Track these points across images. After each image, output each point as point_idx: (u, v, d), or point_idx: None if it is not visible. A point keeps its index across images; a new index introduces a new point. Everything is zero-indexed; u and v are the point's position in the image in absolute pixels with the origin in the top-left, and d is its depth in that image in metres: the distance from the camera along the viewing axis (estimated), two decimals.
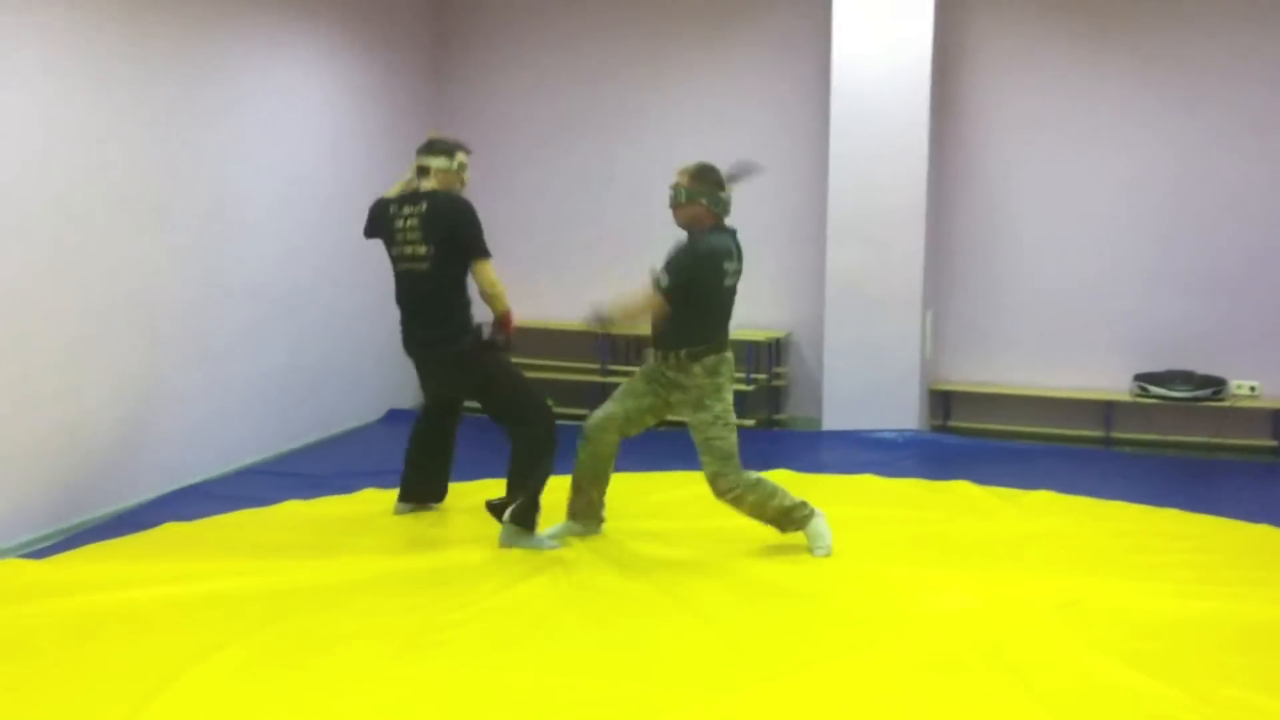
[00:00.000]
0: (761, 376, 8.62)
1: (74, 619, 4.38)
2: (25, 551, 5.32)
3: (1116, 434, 8.17)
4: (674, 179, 5.20)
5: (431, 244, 5.26)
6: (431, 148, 5.47)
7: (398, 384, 8.79)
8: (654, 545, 5.40)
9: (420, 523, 5.82)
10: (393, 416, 8.59)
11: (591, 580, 4.91)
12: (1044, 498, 6.36)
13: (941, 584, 4.87)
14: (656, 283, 5.12)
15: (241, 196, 7.03)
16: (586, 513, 5.51)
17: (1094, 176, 8.20)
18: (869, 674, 3.95)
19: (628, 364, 9.02)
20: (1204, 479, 7.12)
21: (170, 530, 5.63)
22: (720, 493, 5.17)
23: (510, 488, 5.36)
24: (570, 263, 9.12)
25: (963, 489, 6.52)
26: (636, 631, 4.35)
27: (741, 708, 3.68)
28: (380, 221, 5.51)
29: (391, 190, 5.68)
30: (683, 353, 5.15)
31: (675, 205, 5.20)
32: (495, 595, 4.71)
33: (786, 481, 6.37)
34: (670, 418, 5.47)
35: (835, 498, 5.98)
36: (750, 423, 8.41)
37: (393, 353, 8.65)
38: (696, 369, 5.16)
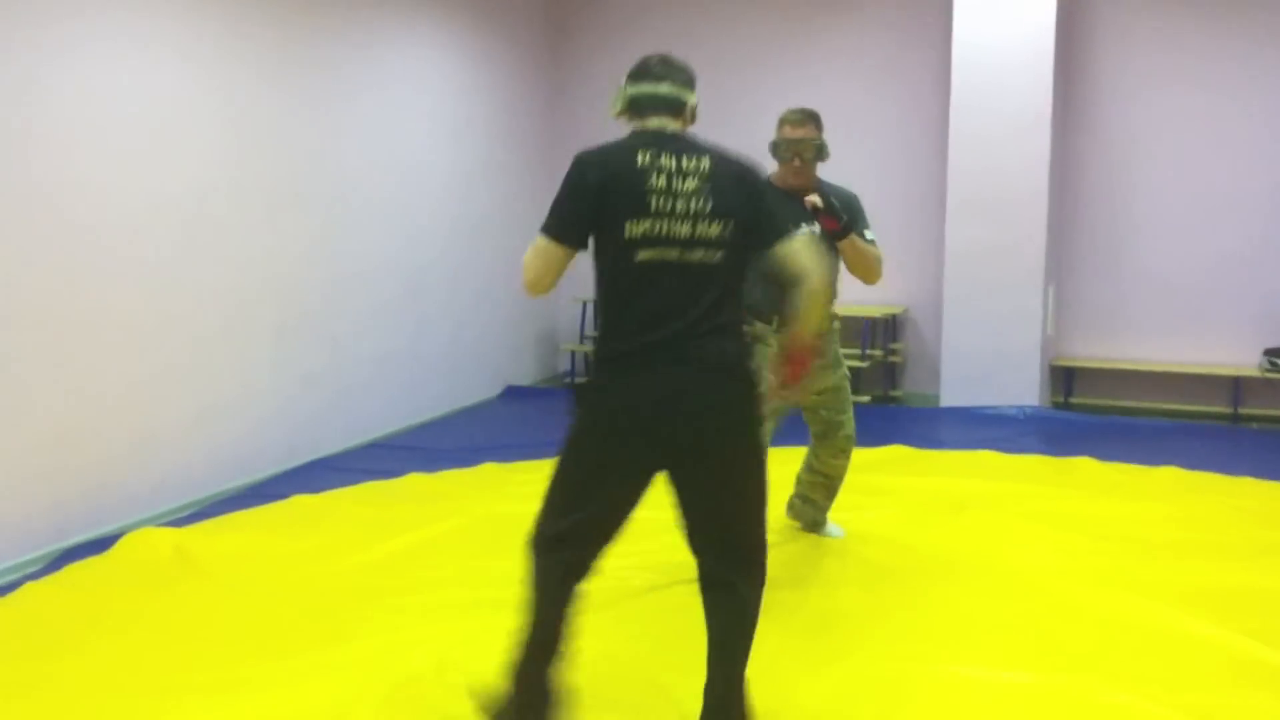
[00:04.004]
0: (877, 352, 8.56)
1: (210, 584, 4.58)
2: (164, 521, 5.51)
3: (1245, 410, 7.97)
4: (800, 133, 4.59)
5: (727, 220, 3.09)
6: (671, 71, 3.29)
7: (514, 362, 8.95)
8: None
9: None
10: (509, 393, 8.72)
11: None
12: (1169, 474, 6.24)
13: (1069, 564, 4.80)
14: (867, 238, 4.73)
15: (367, 182, 7.18)
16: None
17: (1221, 149, 7.99)
18: (1011, 653, 3.95)
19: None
20: None
21: (299, 502, 5.79)
22: (850, 450, 5.02)
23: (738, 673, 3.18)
24: None
25: (1085, 465, 6.42)
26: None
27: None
28: (620, 174, 3.08)
29: None
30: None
31: (813, 162, 4.63)
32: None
33: (903, 457, 6.37)
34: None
35: (952, 470, 5.94)
36: (865, 399, 8.37)
37: (509, 332, 8.89)
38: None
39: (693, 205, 3.05)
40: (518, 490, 5.92)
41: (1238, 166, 7.95)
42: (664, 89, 3.23)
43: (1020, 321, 7.95)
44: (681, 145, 3.15)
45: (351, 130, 7.02)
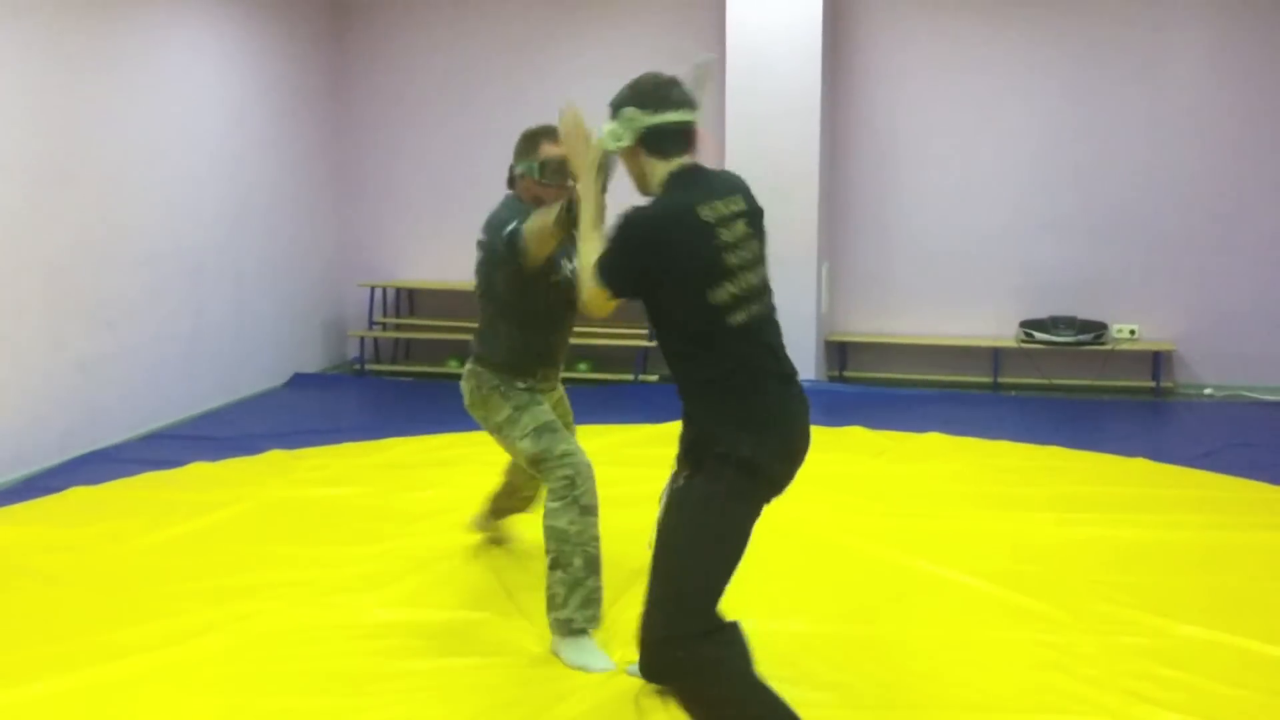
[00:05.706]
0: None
1: None
2: None
3: (1004, 379, 8.49)
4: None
5: (764, 259, 2.98)
6: (687, 94, 2.94)
7: (301, 349, 8.86)
8: None
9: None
10: (297, 381, 8.62)
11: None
12: (933, 439, 6.63)
13: (838, 520, 5.10)
14: None
15: (144, 163, 7.02)
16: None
17: (982, 131, 8.47)
18: (788, 603, 4.15)
19: None
20: (1086, 418, 7.47)
21: (77, 494, 5.65)
22: None
23: None
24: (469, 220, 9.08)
25: (856, 433, 6.76)
26: None
27: None
28: (690, 239, 2.79)
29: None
30: None
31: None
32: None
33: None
34: None
35: None
36: (654, 378, 8.58)
37: (296, 319, 8.78)
38: None
39: (751, 251, 2.83)
40: (305, 475, 5.94)
41: (997, 148, 8.45)
42: (686, 115, 2.83)
43: (796, 298, 8.21)
44: (718, 184, 2.85)
45: (124, 112, 6.83)
